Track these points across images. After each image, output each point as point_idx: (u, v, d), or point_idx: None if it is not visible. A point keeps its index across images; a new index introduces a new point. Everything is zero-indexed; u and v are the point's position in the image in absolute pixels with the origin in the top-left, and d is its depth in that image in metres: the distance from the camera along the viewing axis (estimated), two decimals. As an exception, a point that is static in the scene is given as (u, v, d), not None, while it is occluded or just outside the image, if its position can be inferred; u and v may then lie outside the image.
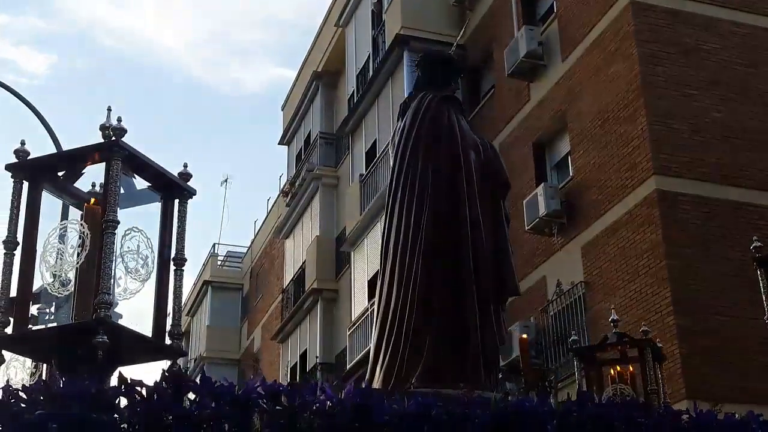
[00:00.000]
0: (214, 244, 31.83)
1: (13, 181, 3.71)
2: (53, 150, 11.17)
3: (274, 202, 27.70)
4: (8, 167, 3.72)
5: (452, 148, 4.82)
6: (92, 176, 3.86)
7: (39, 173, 3.75)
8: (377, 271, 17.76)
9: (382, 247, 4.78)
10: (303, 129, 24.36)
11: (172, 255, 3.84)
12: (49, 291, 3.61)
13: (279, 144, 26.05)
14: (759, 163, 12.37)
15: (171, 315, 3.82)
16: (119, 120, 3.67)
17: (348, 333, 18.67)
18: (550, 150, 14.93)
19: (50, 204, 3.86)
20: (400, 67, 17.77)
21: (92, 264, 3.53)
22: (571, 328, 13.04)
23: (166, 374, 3.20)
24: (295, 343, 22.70)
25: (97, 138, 3.67)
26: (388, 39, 18.40)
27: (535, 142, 14.90)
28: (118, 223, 3.53)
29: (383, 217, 17.41)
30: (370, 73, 19.38)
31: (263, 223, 29.15)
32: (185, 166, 3.93)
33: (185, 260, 3.89)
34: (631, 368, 5.77)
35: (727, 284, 11.38)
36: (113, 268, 3.49)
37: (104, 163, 3.62)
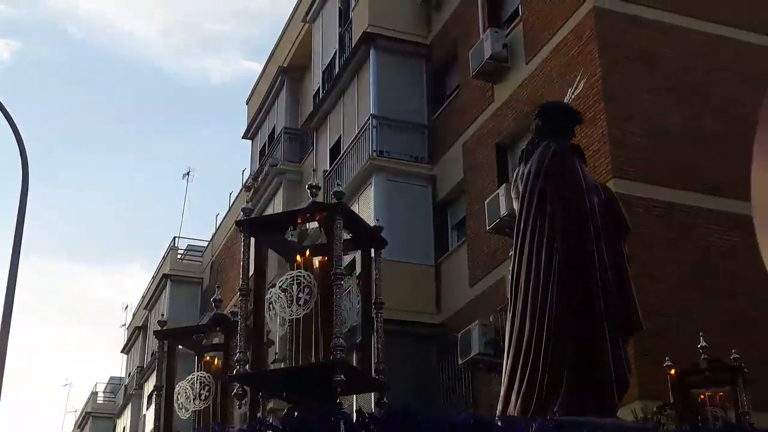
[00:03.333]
0: (175, 237, 31.62)
1: (243, 236, 4.31)
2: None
3: (237, 197, 27.60)
4: (237, 223, 4.36)
5: (578, 193, 5.22)
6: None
7: (265, 229, 4.39)
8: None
9: (510, 281, 5.18)
10: (267, 123, 24.32)
11: (373, 299, 4.34)
12: (273, 330, 4.16)
13: (243, 138, 25.97)
14: (713, 168, 12.67)
15: (375, 353, 4.32)
16: (338, 184, 4.51)
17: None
18: (513, 151, 15.11)
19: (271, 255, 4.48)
20: (367, 65, 17.87)
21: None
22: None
23: (395, 409, 3.59)
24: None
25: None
26: (355, 36, 18.47)
27: (498, 142, 15.09)
28: (345, 275, 4.06)
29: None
30: (336, 69, 19.43)
31: (225, 217, 29.02)
32: (377, 220, 4.70)
33: (383, 304, 4.39)
34: (720, 392, 6.13)
35: (680, 287, 11.65)
36: (341, 314, 4.02)
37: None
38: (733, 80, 13.30)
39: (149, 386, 30.25)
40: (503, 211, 13.71)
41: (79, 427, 40.07)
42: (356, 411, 3.60)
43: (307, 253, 4.22)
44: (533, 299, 5.01)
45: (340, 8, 20.05)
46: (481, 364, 13.60)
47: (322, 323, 4.00)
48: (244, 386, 4.14)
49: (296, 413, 3.87)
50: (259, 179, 23.39)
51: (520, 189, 5.37)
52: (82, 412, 40.41)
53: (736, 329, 11.41)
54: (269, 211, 23.00)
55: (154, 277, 32.67)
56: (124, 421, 32.99)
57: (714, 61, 13.41)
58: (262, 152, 24.32)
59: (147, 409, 30.30)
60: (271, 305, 4.08)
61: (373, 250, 4.40)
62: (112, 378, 40.40)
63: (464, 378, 14.45)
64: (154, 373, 29.90)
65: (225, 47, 73.37)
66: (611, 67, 12.77)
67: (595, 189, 5.41)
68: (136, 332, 33.71)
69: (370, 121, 17.24)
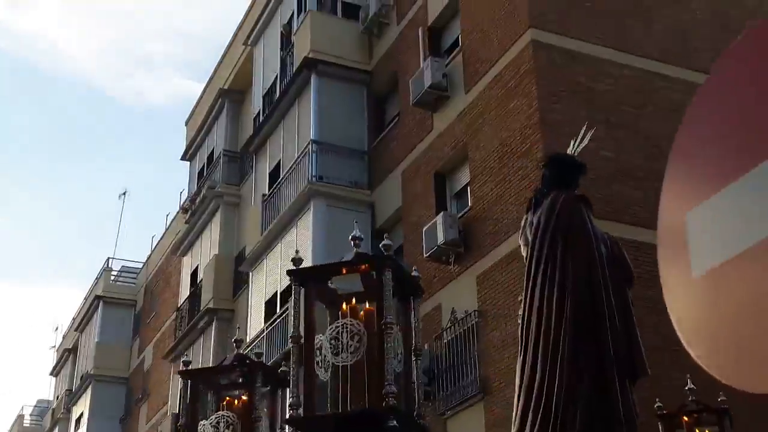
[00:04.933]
0: (108, 258, 31.00)
1: (293, 285, 4.51)
2: None
3: (173, 218, 27.22)
4: (288, 272, 4.60)
5: (587, 242, 5.47)
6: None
7: (312, 278, 4.60)
8: (274, 293, 17.43)
9: (521, 325, 5.46)
10: (206, 145, 24.10)
11: (413, 347, 4.60)
12: (320, 377, 4.40)
13: (181, 159, 25.68)
14: (643, 201, 12.95)
15: (416, 397, 4.61)
16: (386, 236, 4.72)
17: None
18: (451, 180, 15.24)
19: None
20: (307, 89, 17.85)
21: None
22: (463, 356, 13.28)
23: None
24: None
25: None
26: (297, 61, 18.46)
27: (436, 171, 15.19)
28: (395, 324, 4.28)
29: (282, 238, 17.02)
30: (277, 93, 19.38)
31: (161, 239, 28.58)
32: (416, 270, 4.89)
33: (422, 350, 4.69)
34: (707, 431, 6.55)
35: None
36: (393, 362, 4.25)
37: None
38: (664, 116, 13.65)
39: (77, 410, 29.43)
40: (440, 239, 13.77)
41: (3, 452, 38.73)
42: None
43: (353, 301, 4.45)
44: (545, 342, 5.23)
45: (282, 32, 20.04)
46: (416, 392, 13.56)
47: (368, 369, 4.23)
48: (298, 431, 4.44)
49: None
50: (197, 201, 23.12)
51: (529, 237, 5.61)
52: (6, 436, 39.08)
53: (662, 355, 11.63)
54: (206, 234, 22.73)
55: (86, 299, 31.93)
56: (51, 446, 32.03)
57: (647, 96, 13.76)
58: (200, 174, 24.07)
59: (75, 433, 29.43)
60: (320, 352, 4.33)
61: (412, 299, 4.69)
62: (39, 401, 39.33)
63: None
64: (83, 396, 29.16)
65: (164, 67, 72.68)
66: (547, 99, 12.99)
67: (602, 238, 5.69)
68: (66, 354, 32.84)
69: (310, 146, 17.20)
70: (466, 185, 14.59)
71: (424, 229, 14.30)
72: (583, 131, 6.25)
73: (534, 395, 5.20)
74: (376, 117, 17.67)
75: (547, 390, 5.15)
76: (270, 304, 17.99)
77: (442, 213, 14.16)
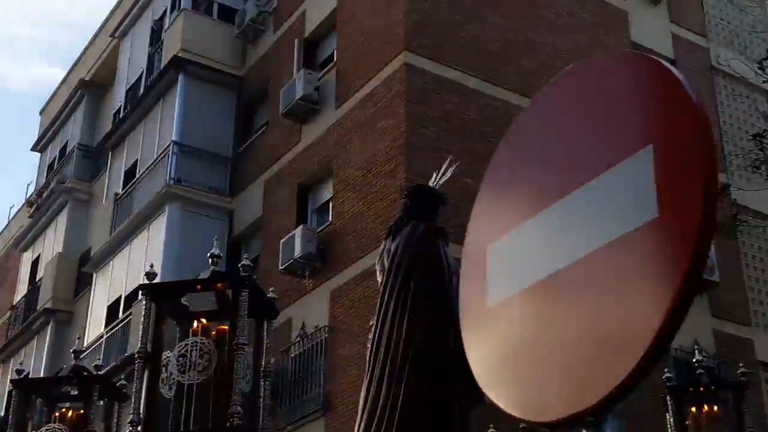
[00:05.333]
0: (-60, 249, 28.77)
1: (145, 300, 4.39)
2: None
3: (17, 211, 25.66)
4: (140, 287, 4.56)
5: (440, 273, 5.59)
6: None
7: (165, 294, 4.49)
8: (118, 297, 16.52)
9: (370, 349, 5.58)
10: (60, 137, 22.89)
11: (262, 367, 4.60)
12: (163, 394, 4.29)
13: (32, 150, 24.28)
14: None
15: (260, 418, 4.62)
16: (246, 257, 4.60)
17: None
18: (314, 193, 15.07)
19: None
20: (173, 89, 17.26)
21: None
22: (309, 371, 13.06)
23: None
24: (17, 365, 20.85)
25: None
26: (165, 59, 17.85)
27: (300, 183, 14.98)
28: (246, 344, 4.30)
29: (131, 240, 16.24)
30: (141, 90, 18.66)
31: (1, 232, 26.86)
32: (272, 291, 4.83)
33: (272, 372, 4.75)
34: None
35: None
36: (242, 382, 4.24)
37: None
38: (525, 150, 14.03)
39: None
40: (297, 252, 13.54)
41: None
42: None
43: (204, 320, 4.37)
44: (391, 369, 5.36)
45: (152, 27, 19.36)
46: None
47: (215, 388, 4.18)
48: None
49: None
50: (44, 195, 21.88)
51: (386, 263, 5.75)
52: None
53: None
54: (50, 231, 21.50)
55: None
56: None
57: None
58: (51, 167, 22.81)
59: None
60: (166, 368, 4.27)
61: (266, 320, 4.73)
62: None
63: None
64: None
65: (29, 52, 69.13)
66: (415, 122, 13.07)
67: (455, 270, 5.79)
68: None
69: (170, 147, 16.60)
70: (329, 200, 14.46)
71: (281, 242, 14.03)
72: (446, 164, 6.38)
73: (375, 420, 5.29)
74: (244, 124, 17.30)
75: (388, 417, 5.26)
76: (112, 308, 17.14)
77: (301, 226, 13.95)
